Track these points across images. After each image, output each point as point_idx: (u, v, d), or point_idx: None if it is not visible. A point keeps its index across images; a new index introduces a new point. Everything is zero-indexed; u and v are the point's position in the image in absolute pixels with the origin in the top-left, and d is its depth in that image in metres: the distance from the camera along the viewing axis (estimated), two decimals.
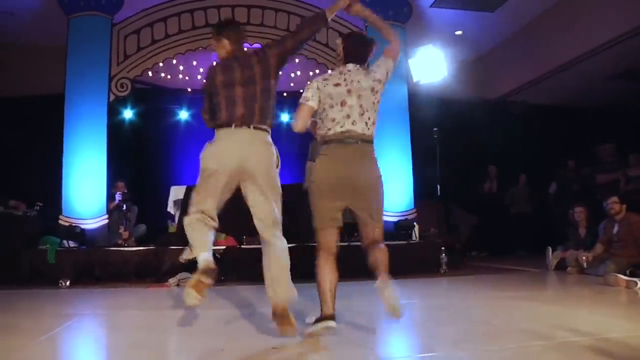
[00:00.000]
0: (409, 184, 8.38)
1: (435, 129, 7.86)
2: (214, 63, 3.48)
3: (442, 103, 9.75)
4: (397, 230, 7.80)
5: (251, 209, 3.32)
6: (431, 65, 8.64)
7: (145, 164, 10.47)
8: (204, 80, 3.50)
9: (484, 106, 11.03)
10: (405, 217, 8.10)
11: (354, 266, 6.59)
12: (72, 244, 6.94)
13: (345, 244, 7.12)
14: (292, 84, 10.59)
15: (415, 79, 8.76)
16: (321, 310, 3.15)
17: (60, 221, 7.51)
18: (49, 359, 2.93)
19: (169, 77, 9.99)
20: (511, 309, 4.22)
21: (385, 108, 8.26)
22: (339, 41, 3.47)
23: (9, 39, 9.73)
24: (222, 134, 3.28)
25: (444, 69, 8.76)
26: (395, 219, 8.09)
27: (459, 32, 10.02)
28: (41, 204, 7.44)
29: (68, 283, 6.10)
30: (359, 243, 7.09)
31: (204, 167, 3.27)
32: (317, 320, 3.09)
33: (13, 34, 9.54)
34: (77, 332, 3.57)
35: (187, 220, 3.25)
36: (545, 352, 2.73)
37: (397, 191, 8.28)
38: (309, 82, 3.35)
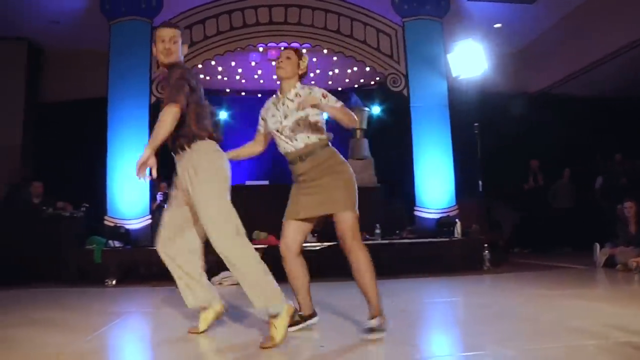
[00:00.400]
0: (450, 180, 8.28)
1: (476, 124, 7.74)
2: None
3: (483, 98, 9.58)
4: (439, 227, 7.72)
5: None
6: (470, 59, 8.52)
7: None
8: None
9: (525, 100, 10.81)
10: (447, 214, 8.01)
11: (395, 264, 6.64)
12: (117, 244, 7.08)
13: (387, 241, 7.15)
14: (330, 82, 10.58)
15: (454, 74, 8.65)
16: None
17: (105, 222, 7.69)
18: (100, 355, 3.01)
19: (207, 78, 10.10)
20: (559, 307, 4.08)
21: (425, 105, 8.25)
22: (306, 57, 3.51)
23: (55, 46, 10.03)
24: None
25: (484, 63, 8.62)
26: (436, 216, 8.01)
27: (498, 25, 9.83)
28: (87, 205, 7.64)
29: (114, 282, 6.25)
30: (402, 241, 7.10)
31: (228, 177, 3.26)
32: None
33: (59, 42, 9.82)
34: (125, 329, 3.65)
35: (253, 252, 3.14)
36: (599, 353, 2.62)
37: (438, 188, 8.21)
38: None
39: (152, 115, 8.27)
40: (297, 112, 3.28)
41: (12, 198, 8.50)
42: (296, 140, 3.29)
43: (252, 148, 3.68)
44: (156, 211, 8.04)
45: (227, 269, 5.88)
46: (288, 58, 3.38)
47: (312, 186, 3.27)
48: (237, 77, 10.35)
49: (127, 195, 7.78)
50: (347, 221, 3.17)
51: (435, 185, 8.20)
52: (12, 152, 9.66)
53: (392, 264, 6.74)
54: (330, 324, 3.57)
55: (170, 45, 3.25)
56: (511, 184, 10.32)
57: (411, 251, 6.94)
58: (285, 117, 3.32)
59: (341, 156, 3.38)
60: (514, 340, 2.92)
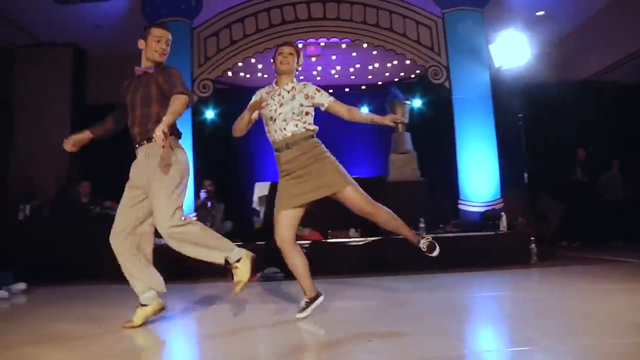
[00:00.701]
0: (494, 173, 8.11)
1: (520, 114, 7.58)
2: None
3: (527, 87, 9.35)
4: (484, 220, 7.57)
5: None
6: (513, 49, 8.32)
7: (230, 162, 10.73)
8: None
9: (571, 88, 10.51)
10: (492, 207, 7.85)
11: (440, 258, 6.56)
12: (162, 241, 7.18)
13: (431, 235, 7.06)
14: (370, 77, 10.52)
15: (497, 65, 8.46)
16: None
17: None
18: (151, 348, 3.11)
19: (247, 76, 10.17)
20: (614, 302, 3.89)
21: (467, 96, 8.11)
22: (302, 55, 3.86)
23: (99, 50, 10.27)
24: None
25: (527, 53, 8.41)
26: (481, 209, 7.87)
27: (540, 13, 9.57)
28: None
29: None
30: (447, 235, 7.01)
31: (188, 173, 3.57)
32: None
33: (102, 45, 10.05)
34: (172, 325, 3.69)
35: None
36: None
37: (482, 181, 8.06)
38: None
39: (194, 114, 8.40)
40: (292, 101, 3.58)
41: (61, 198, 8.75)
42: (285, 129, 3.56)
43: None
44: (200, 208, 8.15)
45: (272, 266, 5.98)
46: (291, 54, 3.69)
47: (301, 174, 3.54)
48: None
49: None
50: (353, 193, 3.54)
51: (479, 178, 8.06)
52: (60, 153, 9.90)
53: (437, 258, 6.63)
54: (375, 318, 3.54)
55: (165, 46, 3.56)
56: (557, 175, 10.07)
57: (456, 245, 6.83)
58: (281, 105, 3.59)
59: (324, 147, 3.65)
60: (567, 335, 2.82)
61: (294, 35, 8.41)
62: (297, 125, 3.56)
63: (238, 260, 3.35)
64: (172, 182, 3.36)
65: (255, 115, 3.64)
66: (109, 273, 6.75)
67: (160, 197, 3.33)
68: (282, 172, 3.63)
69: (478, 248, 6.78)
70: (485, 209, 7.86)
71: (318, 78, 10.46)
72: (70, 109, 10.17)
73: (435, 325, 3.22)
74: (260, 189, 8.47)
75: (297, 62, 3.74)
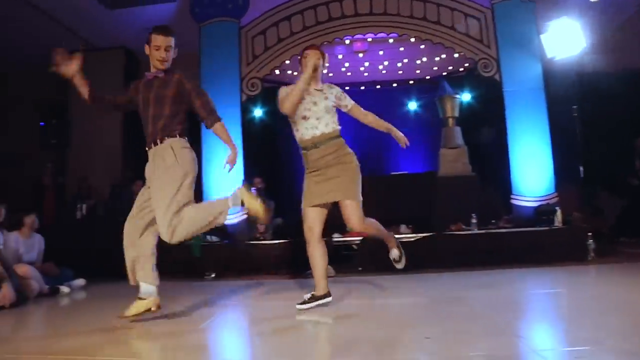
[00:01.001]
0: (548, 166, 7.88)
1: (574, 106, 7.35)
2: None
3: (581, 78, 9.05)
4: (538, 215, 7.38)
5: None
6: (566, 39, 8.03)
7: (279, 159, 10.81)
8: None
9: (628, 77, 10.08)
10: (546, 201, 7.65)
11: (493, 254, 6.45)
12: (214, 238, 7.30)
13: (483, 231, 6.95)
14: (417, 71, 10.41)
15: (549, 56, 8.21)
16: None
17: None
18: (214, 342, 3.22)
19: (294, 73, 10.19)
20: None
21: (518, 89, 7.92)
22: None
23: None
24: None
25: (581, 42, 8.13)
26: (535, 204, 7.67)
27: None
28: None
29: (213, 275, 6.45)
30: (499, 230, 6.88)
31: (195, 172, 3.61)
32: None
33: None
34: (230, 320, 3.73)
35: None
36: None
37: (535, 175, 7.86)
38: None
39: (243, 113, 8.48)
40: (325, 101, 3.79)
41: (116, 197, 9.00)
42: (317, 128, 3.75)
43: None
44: None
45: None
46: (318, 58, 3.85)
47: (321, 174, 3.73)
48: (325, 71, 10.35)
49: (223, 191, 7.97)
50: (350, 206, 3.69)
51: (532, 172, 7.86)
52: (114, 153, 10.24)
53: (489, 254, 6.56)
54: (429, 315, 3.50)
55: (164, 54, 3.59)
56: (615, 168, 9.70)
57: (509, 241, 6.71)
58: (314, 103, 3.78)
59: (349, 148, 3.83)
60: (632, 335, 2.69)
61: (341, 31, 8.39)
62: (327, 124, 3.77)
63: (241, 202, 3.56)
64: (171, 186, 3.43)
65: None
66: (168, 268, 6.97)
67: (159, 202, 3.44)
68: (308, 169, 3.84)
69: (532, 244, 6.63)
70: (539, 203, 7.66)
71: (365, 74, 10.41)
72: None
73: (491, 323, 3.16)
74: None
75: (323, 65, 3.90)
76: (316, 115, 3.76)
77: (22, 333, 3.83)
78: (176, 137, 3.50)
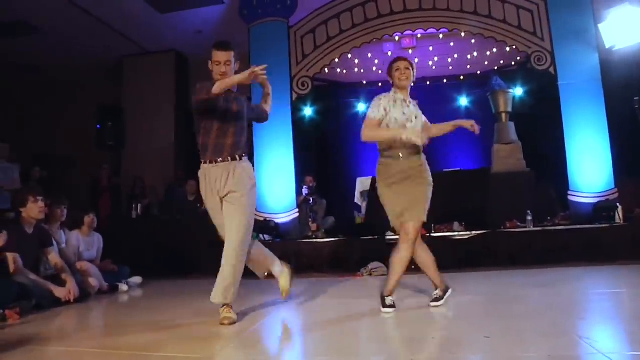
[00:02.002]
0: (607, 161, 7.59)
1: (636, 97, 7.06)
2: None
3: None
4: (597, 212, 7.11)
5: None
6: (627, 27, 7.71)
7: (330, 157, 10.83)
8: None
9: None
10: (606, 197, 7.37)
11: (549, 252, 6.28)
12: (267, 237, 7.36)
13: (539, 228, 6.77)
14: (468, 66, 10.23)
15: (608, 45, 7.91)
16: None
17: (255, 217, 8.01)
18: (271, 340, 3.24)
19: (344, 72, 10.19)
20: None
21: (575, 81, 7.66)
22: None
23: (199, 54, 10.65)
24: None
25: None
26: (593, 200, 7.40)
27: None
28: None
29: (266, 274, 6.48)
30: (556, 227, 6.68)
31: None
32: None
33: (202, 49, 10.39)
34: (285, 318, 3.75)
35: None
36: None
37: (593, 170, 7.59)
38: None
39: (293, 111, 8.53)
40: (421, 116, 3.81)
41: (169, 196, 9.19)
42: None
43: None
44: (303, 204, 8.26)
45: (375, 260, 5.97)
46: (408, 69, 3.77)
47: (400, 185, 3.68)
48: (374, 69, 10.32)
49: (275, 190, 8.07)
50: (419, 224, 3.67)
51: (590, 167, 7.59)
52: (166, 154, 10.47)
53: (545, 253, 6.39)
54: (488, 313, 3.43)
55: (225, 68, 3.68)
56: None
57: (567, 239, 6.51)
58: (415, 117, 3.74)
59: (427, 165, 3.82)
60: None
61: (390, 28, 8.32)
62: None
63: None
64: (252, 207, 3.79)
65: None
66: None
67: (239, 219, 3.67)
68: (389, 178, 3.72)
69: (590, 242, 6.42)
70: (598, 199, 7.39)
71: (415, 70, 10.30)
72: (174, 112, 10.67)
73: (551, 323, 3.07)
74: (362, 183, 8.48)
75: (413, 76, 3.80)
76: (415, 127, 3.71)
77: (84, 329, 3.95)
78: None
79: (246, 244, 3.66)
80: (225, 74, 3.65)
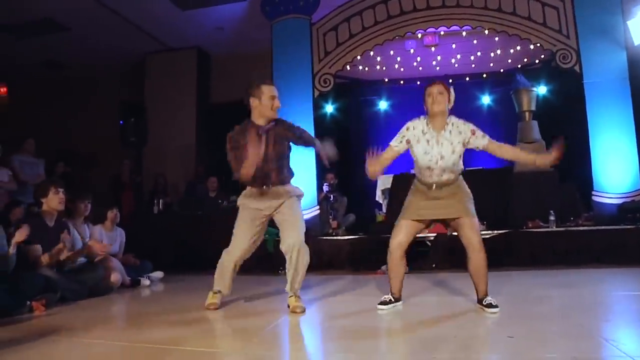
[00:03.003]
0: (633, 161, 7.46)
1: None
2: None
3: None
4: (622, 213, 7.01)
5: None
6: None
7: (351, 155, 10.81)
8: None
9: None
10: (631, 198, 7.25)
11: (573, 253, 6.20)
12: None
13: (562, 229, 6.69)
14: (491, 64, 10.12)
15: (637, 43, 7.76)
16: None
17: None
18: (292, 336, 3.25)
19: (366, 69, 10.15)
20: None
21: (601, 80, 7.53)
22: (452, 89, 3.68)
23: (221, 51, 10.75)
24: None
25: None
26: (618, 201, 7.29)
27: None
28: None
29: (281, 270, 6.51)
30: (580, 228, 6.59)
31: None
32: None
33: (223, 46, 10.51)
34: (306, 315, 3.75)
35: None
36: None
37: (619, 170, 7.48)
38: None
39: (315, 108, 8.53)
40: (452, 155, 3.54)
41: (191, 193, 9.25)
42: (442, 176, 3.60)
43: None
44: (323, 202, 8.26)
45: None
46: (441, 93, 3.54)
47: (441, 197, 3.61)
48: (396, 66, 10.27)
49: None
50: (472, 223, 3.54)
51: (615, 167, 7.47)
52: (187, 150, 10.55)
53: (569, 253, 6.31)
54: (511, 314, 3.40)
55: (278, 103, 3.89)
56: None
57: (590, 239, 6.42)
58: (442, 157, 3.54)
59: (464, 181, 3.73)
60: None
61: (412, 25, 8.27)
62: (452, 173, 3.61)
63: None
64: None
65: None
66: (246, 264, 7.10)
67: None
68: (421, 192, 3.70)
69: (615, 243, 6.32)
70: (623, 200, 7.29)
71: (437, 68, 10.22)
72: (195, 109, 10.74)
73: (576, 324, 3.04)
74: (383, 181, 8.45)
75: (449, 100, 3.59)
76: (442, 168, 3.61)
77: (108, 321, 3.99)
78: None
79: None
80: (278, 107, 3.90)
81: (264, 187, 3.88)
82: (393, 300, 3.76)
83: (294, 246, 3.77)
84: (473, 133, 3.56)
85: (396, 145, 3.71)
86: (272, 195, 3.90)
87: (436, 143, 3.56)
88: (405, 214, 3.71)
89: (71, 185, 6.41)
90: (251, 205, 3.93)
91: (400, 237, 3.67)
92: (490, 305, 3.41)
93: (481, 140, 3.57)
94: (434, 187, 3.61)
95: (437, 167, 3.56)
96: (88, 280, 4.95)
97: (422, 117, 3.68)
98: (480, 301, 3.56)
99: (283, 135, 3.88)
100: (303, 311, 3.72)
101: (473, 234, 3.53)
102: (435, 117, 3.57)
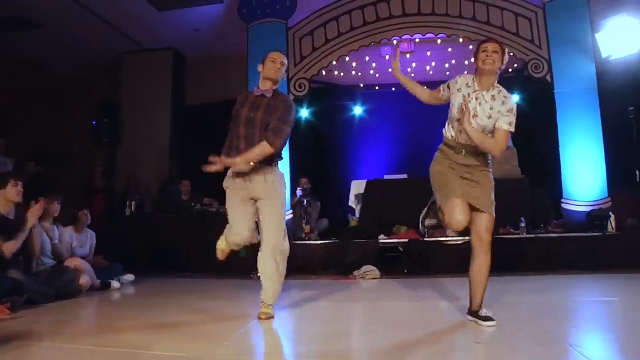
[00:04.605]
0: (600, 170, 7.62)
1: (631, 107, 7.10)
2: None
3: (639, 78, 8.69)
4: (590, 221, 7.15)
5: None
6: (624, 37, 7.74)
7: (325, 160, 10.83)
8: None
9: None
10: (599, 206, 7.40)
11: (542, 259, 6.29)
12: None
13: (532, 235, 6.79)
14: (465, 72, 10.10)
15: (604, 55, 7.94)
16: None
17: None
18: (261, 341, 3.23)
19: (341, 74, 10.19)
20: None
21: (570, 90, 7.67)
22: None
23: (197, 53, 10.67)
24: None
25: None
26: (586, 209, 7.43)
27: None
28: None
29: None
30: (549, 235, 6.69)
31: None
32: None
33: (199, 48, 10.43)
34: (276, 319, 3.74)
35: None
36: None
37: (587, 178, 7.62)
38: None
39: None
40: (488, 120, 3.28)
41: (164, 195, 9.17)
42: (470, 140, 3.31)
43: (423, 92, 3.75)
44: (296, 206, 8.25)
45: (368, 264, 5.98)
46: (495, 51, 3.29)
47: (469, 177, 3.37)
48: (371, 72, 10.33)
49: None
50: (490, 222, 3.36)
51: (584, 175, 7.62)
52: (161, 152, 10.44)
53: (538, 260, 6.41)
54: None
55: (280, 66, 3.83)
56: None
57: (559, 246, 6.54)
58: (476, 115, 3.29)
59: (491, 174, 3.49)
60: None
61: (388, 32, 8.35)
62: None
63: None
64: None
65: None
66: (215, 267, 7.06)
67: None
68: (450, 163, 3.43)
69: (583, 250, 6.44)
70: (591, 208, 7.43)
71: (412, 75, 10.31)
72: (170, 110, 10.64)
73: (542, 330, 3.09)
74: (357, 186, 8.48)
75: (502, 62, 3.33)
76: (476, 127, 3.32)
77: (75, 325, 3.93)
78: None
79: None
80: (279, 70, 3.83)
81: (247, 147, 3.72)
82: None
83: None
84: (510, 111, 3.28)
85: (441, 87, 3.52)
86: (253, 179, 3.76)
87: (475, 99, 3.32)
88: (450, 192, 3.34)
89: (42, 185, 6.31)
90: (236, 186, 3.84)
91: (457, 215, 3.29)
92: (487, 318, 3.24)
93: (504, 124, 3.27)
94: (463, 152, 3.37)
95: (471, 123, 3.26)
96: (56, 283, 4.86)
97: (469, 74, 3.47)
98: (474, 313, 3.37)
99: (273, 109, 3.74)
100: (269, 318, 3.66)
101: (487, 234, 3.38)
102: (483, 74, 3.33)
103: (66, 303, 4.77)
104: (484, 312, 3.32)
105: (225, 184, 3.91)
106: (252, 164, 3.62)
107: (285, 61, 3.91)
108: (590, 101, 7.81)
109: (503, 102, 3.28)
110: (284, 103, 3.77)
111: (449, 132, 3.48)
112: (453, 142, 3.42)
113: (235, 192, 3.84)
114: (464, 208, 3.30)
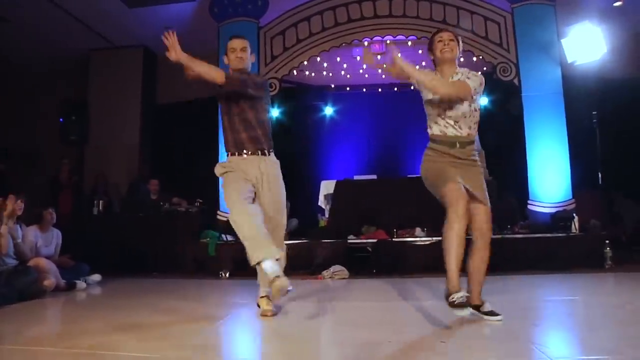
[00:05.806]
0: (565, 172, 7.81)
1: (594, 112, 7.27)
2: None
3: (602, 84, 8.91)
4: (554, 222, 7.31)
5: None
6: (587, 43, 7.93)
7: (295, 160, 10.82)
8: None
9: None
10: (563, 208, 7.57)
11: (507, 260, 6.39)
12: (229, 237, 7.32)
13: (499, 236, 6.89)
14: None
15: (570, 60, 8.12)
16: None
17: (218, 216, 8.00)
18: (229, 341, 3.26)
19: (312, 74, 10.21)
20: None
21: (537, 94, 7.82)
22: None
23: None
24: None
25: (603, 47, 8.01)
26: (551, 210, 7.60)
27: (618, 4, 9.02)
28: (201, 201, 7.96)
29: (227, 274, 6.47)
30: (515, 236, 6.80)
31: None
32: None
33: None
34: (244, 319, 3.74)
35: None
36: None
37: (552, 181, 7.80)
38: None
39: None
40: (463, 104, 3.30)
41: (132, 194, 9.06)
42: (461, 128, 3.34)
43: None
44: None
45: (337, 264, 6.00)
46: (452, 40, 3.38)
47: (463, 168, 3.31)
48: (342, 73, 10.37)
49: None
50: (489, 214, 3.39)
51: (549, 177, 7.79)
52: (131, 150, 10.31)
53: (504, 261, 6.49)
54: (444, 319, 3.47)
55: (241, 54, 3.74)
56: (634, 174, 9.55)
57: (525, 247, 6.66)
58: (451, 108, 3.34)
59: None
60: None
61: (359, 33, 8.41)
62: (470, 127, 3.37)
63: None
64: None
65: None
66: (183, 266, 7.03)
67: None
68: (445, 158, 3.35)
69: (548, 251, 6.59)
70: (556, 210, 7.60)
71: (383, 76, 10.36)
72: (140, 109, 10.51)
73: (505, 329, 3.13)
74: (326, 187, 8.50)
75: (459, 49, 3.41)
76: (454, 118, 3.38)
77: (41, 326, 3.87)
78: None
79: None
80: (242, 58, 3.76)
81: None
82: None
83: None
84: (481, 85, 3.36)
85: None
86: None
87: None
88: (446, 178, 3.26)
89: (6, 184, 6.18)
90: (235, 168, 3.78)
91: (464, 203, 3.18)
92: (492, 313, 3.28)
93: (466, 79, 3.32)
94: (457, 145, 3.33)
95: (452, 114, 3.32)
96: (17, 284, 4.75)
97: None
98: (477, 307, 3.36)
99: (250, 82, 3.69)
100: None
101: (488, 227, 3.39)
102: (444, 63, 3.40)
103: (29, 304, 4.65)
104: (487, 306, 3.37)
105: (219, 170, 3.81)
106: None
107: (247, 44, 3.81)
108: (557, 105, 8.00)
109: (469, 78, 3.34)
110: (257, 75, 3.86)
111: (436, 129, 3.42)
112: (444, 137, 3.38)
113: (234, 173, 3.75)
114: (465, 193, 3.23)
